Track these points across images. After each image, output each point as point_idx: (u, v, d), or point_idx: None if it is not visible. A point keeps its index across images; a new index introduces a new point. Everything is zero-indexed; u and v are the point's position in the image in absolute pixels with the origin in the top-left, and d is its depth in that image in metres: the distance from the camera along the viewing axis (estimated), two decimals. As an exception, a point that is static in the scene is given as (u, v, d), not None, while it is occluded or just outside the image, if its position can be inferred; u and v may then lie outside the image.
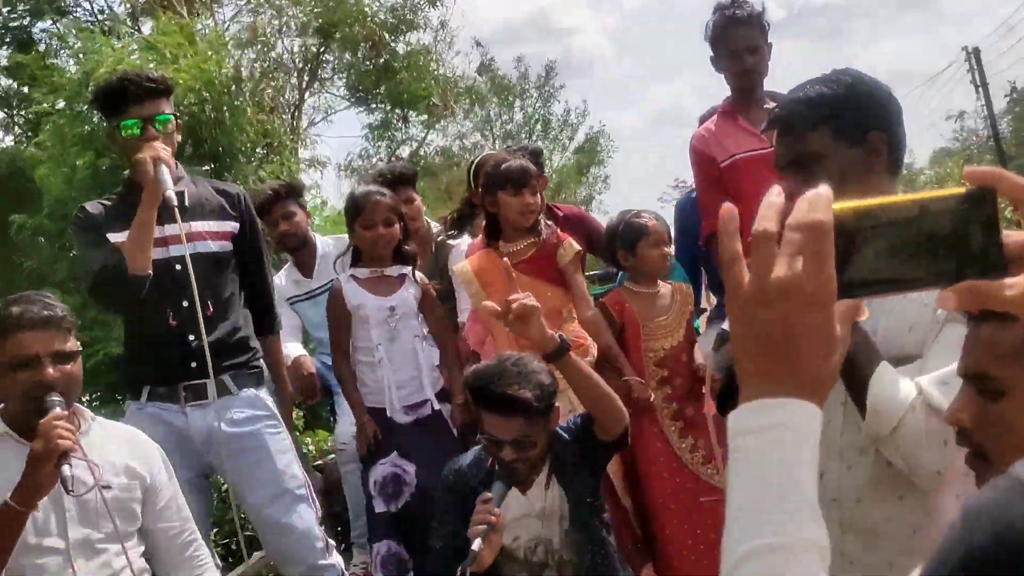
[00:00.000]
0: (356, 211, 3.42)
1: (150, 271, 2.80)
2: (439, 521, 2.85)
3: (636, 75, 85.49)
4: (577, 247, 3.52)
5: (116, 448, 2.39)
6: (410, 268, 3.49)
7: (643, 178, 56.16)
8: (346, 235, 4.45)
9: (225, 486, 3.40)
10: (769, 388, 0.80)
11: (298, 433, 4.87)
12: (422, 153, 22.29)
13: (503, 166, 3.46)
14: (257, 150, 13.74)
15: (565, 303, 3.47)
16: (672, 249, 3.58)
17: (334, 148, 56.51)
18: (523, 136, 26.97)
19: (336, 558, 3.06)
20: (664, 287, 3.63)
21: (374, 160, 21.79)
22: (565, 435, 2.77)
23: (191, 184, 3.04)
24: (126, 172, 3.03)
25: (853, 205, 0.81)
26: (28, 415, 2.17)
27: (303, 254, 4.37)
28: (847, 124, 1.67)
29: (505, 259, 3.08)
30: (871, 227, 0.81)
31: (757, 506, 0.78)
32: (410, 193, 4.04)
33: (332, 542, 3.16)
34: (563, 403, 3.22)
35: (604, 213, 29.11)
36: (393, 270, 3.47)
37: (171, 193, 2.74)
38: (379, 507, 3.32)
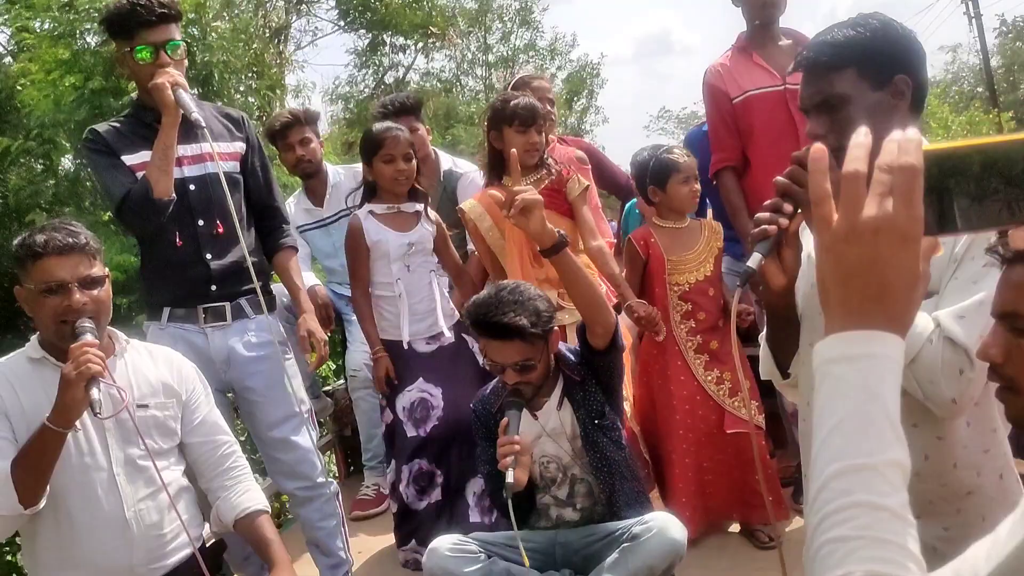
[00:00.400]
0: (375, 146, 3.44)
1: (174, 195, 2.85)
2: (480, 448, 2.98)
3: (621, 3, 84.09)
4: (585, 182, 3.56)
5: (152, 368, 2.45)
6: (423, 205, 3.54)
7: (628, 106, 55.73)
8: (357, 166, 4.49)
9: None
10: (858, 320, 0.86)
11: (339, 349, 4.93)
12: (408, 79, 22.06)
13: (512, 103, 3.46)
14: (244, 75, 13.59)
15: (574, 236, 3.52)
16: (699, 186, 3.56)
17: (322, 75, 55.51)
18: (511, 66, 26.59)
19: (332, 479, 3.17)
20: (693, 222, 3.66)
21: (360, 86, 21.56)
22: (572, 357, 2.89)
23: (198, 106, 3.04)
24: (134, 94, 3.05)
25: (937, 147, 0.86)
26: (61, 340, 2.22)
27: (315, 182, 4.39)
28: (873, 67, 1.70)
29: (495, 194, 3.09)
30: (954, 168, 0.87)
31: (846, 429, 0.84)
32: (413, 123, 4.04)
33: (331, 468, 3.29)
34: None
35: (600, 147, 29.01)
36: (409, 206, 3.52)
37: (198, 116, 2.78)
38: (409, 432, 3.42)
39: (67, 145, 12.07)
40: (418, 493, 3.41)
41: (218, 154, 2.95)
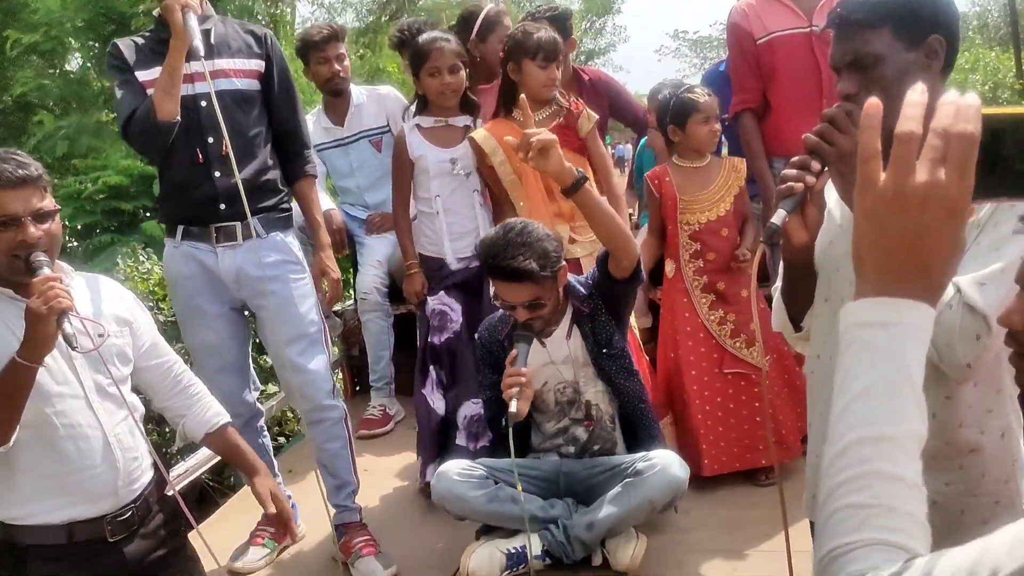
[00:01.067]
0: (422, 59, 3.40)
1: (178, 118, 2.86)
2: (482, 375, 3.07)
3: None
4: (595, 117, 3.54)
5: (101, 298, 2.42)
6: (473, 119, 3.50)
7: (641, 27, 54.56)
8: (380, 88, 4.47)
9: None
10: (894, 287, 0.84)
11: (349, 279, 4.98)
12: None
13: (535, 35, 3.39)
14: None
15: (587, 170, 3.53)
16: (719, 126, 3.55)
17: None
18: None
19: (340, 401, 3.21)
20: (714, 160, 3.65)
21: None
22: (581, 288, 2.94)
23: (219, 23, 3.05)
24: (157, 10, 3.00)
25: (988, 113, 0.82)
26: (14, 274, 2.19)
27: (339, 101, 4.36)
28: (908, 27, 1.67)
29: (508, 137, 3.08)
30: (1002, 137, 0.84)
31: (871, 398, 0.84)
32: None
33: (339, 387, 3.32)
34: None
35: (617, 68, 28.45)
36: (458, 120, 3.49)
37: (198, 43, 2.76)
38: (430, 337, 3.49)
39: (74, 43, 11.94)
40: (444, 399, 3.47)
41: (230, 69, 2.96)
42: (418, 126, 3.49)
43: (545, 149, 2.59)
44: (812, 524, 1.99)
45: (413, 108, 3.58)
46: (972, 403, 1.77)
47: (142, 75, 2.93)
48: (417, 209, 3.56)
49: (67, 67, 13.43)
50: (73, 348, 2.05)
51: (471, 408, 3.43)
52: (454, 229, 3.48)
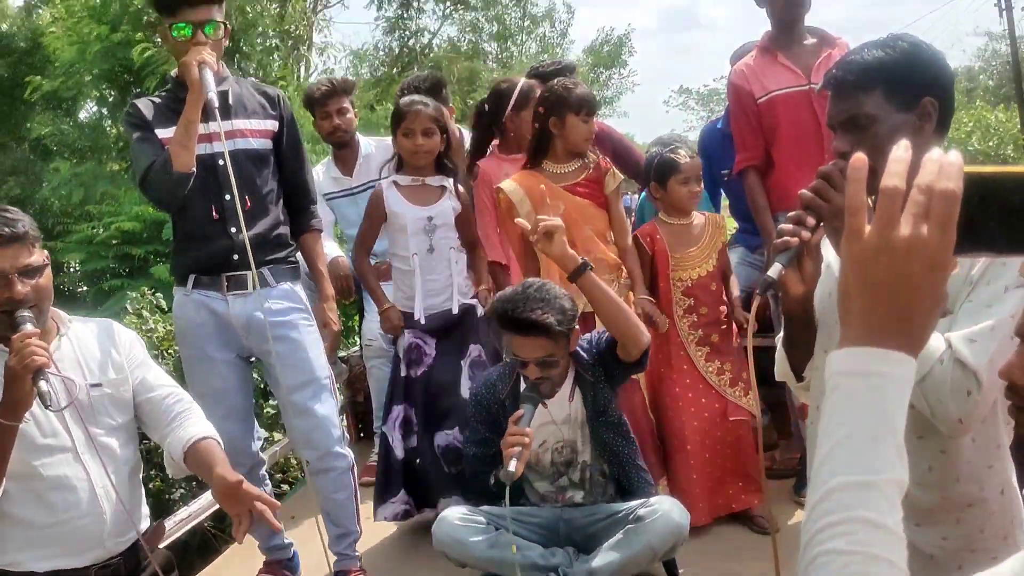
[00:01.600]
0: (398, 119, 3.52)
1: (194, 169, 2.93)
2: (471, 430, 3.08)
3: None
4: (620, 177, 3.67)
5: (98, 343, 2.45)
6: (451, 180, 3.59)
7: (650, 79, 55.30)
8: (387, 139, 4.56)
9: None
10: (876, 337, 0.86)
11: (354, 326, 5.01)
12: (433, 45, 21.99)
13: (577, 90, 3.53)
14: (271, 32, 13.61)
15: (608, 226, 3.64)
16: (700, 187, 3.66)
17: (346, 33, 55.50)
18: (516, 34, 26.30)
19: (348, 450, 3.24)
20: (697, 218, 3.74)
21: (383, 53, 21.53)
22: (585, 355, 2.98)
23: (235, 84, 3.14)
24: (174, 71, 3.11)
25: (970, 171, 0.85)
26: (2, 329, 2.21)
27: (346, 152, 4.46)
28: (901, 89, 1.72)
29: (542, 185, 3.18)
30: (984, 194, 0.86)
31: (853, 444, 0.86)
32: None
33: (347, 436, 3.35)
34: None
35: (622, 115, 28.67)
36: (434, 180, 3.57)
37: (212, 96, 2.85)
38: (402, 371, 3.56)
39: (91, 92, 12.15)
40: (403, 438, 3.53)
41: (247, 129, 3.06)
42: (395, 183, 3.56)
43: (550, 234, 2.68)
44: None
45: (391, 164, 3.66)
46: (971, 458, 1.77)
47: (161, 132, 3.01)
48: (393, 265, 3.64)
49: (82, 116, 13.67)
50: (47, 406, 2.03)
51: (444, 438, 3.48)
52: (429, 287, 3.55)
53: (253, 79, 3.33)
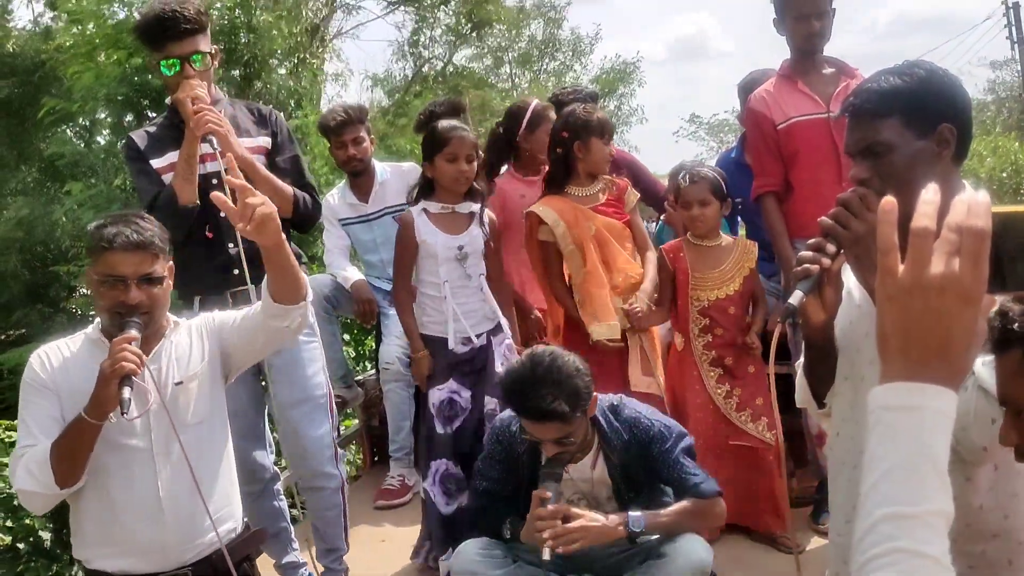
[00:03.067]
0: (439, 144, 3.43)
1: (197, 201, 2.98)
2: (483, 464, 3.02)
3: (656, 2, 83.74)
4: (637, 195, 3.77)
5: (188, 341, 2.51)
6: (479, 206, 3.54)
7: (658, 109, 55.57)
8: (403, 164, 4.59)
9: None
10: (916, 371, 0.90)
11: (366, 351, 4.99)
12: (447, 72, 22.15)
13: (597, 115, 3.64)
14: (285, 61, 13.72)
15: (633, 243, 3.73)
16: (710, 209, 3.66)
17: (359, 56, 55.99)
18: (535, 59, 26.48)
19: (339, 470, 3.25)
20: (726, 241, 3.76)
21: (398, 78, 21.71)
22: (614, 438, 2.85)
23: (228, 106, 3.19)
24: (168, 99, 3.17)
25: (1003, 211, 0.91)
26: (113, 328, 2.31)
27: (362, 179, 4.48)
28: (918, 116, 1.73)
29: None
30: (1012, 230, 0.91)
31: (896, 477, 0.89)
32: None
33: (343, 452, 3.37)
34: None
35: (631, 148, 28.87)
36: (464, 207, 3.51)
37: (211, 139, 2.90)
38: (439, 428, 3.46)
39: (108, 120, 12.25)
40: (445, 495, 3.44)
41: (246, 149, 3.05)
42: (425, 211, 3.49)
43: (585, 537, 2.67)
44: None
45: (415, 191, 3.58)
46: (994, 486, 1.77)
47: (155, 162, 3.10)
48: (420, 292, 3.55)
49: (98, 140, 13.77)
50: (122, 414, 2.11)
51: (438, 395, 3.44)
52: (463, 311, 3.47)
53: (244, 101, 3.38)
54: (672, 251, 3.75)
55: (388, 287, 4.53)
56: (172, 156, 3.05)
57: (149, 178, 3.09)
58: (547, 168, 3.82)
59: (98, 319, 2.45)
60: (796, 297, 1.67)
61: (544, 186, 3.76)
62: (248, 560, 2.53)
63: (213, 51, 3.12)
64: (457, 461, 3.43)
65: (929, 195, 0.90)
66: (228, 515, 2.47)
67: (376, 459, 4.97)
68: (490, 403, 3.46)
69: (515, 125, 4.20)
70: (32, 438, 2.27)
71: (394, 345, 4.32)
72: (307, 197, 3.25)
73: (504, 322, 3.57)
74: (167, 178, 3.07)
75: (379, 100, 21.68)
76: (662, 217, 4.77)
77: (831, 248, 1.68)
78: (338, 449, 3.31)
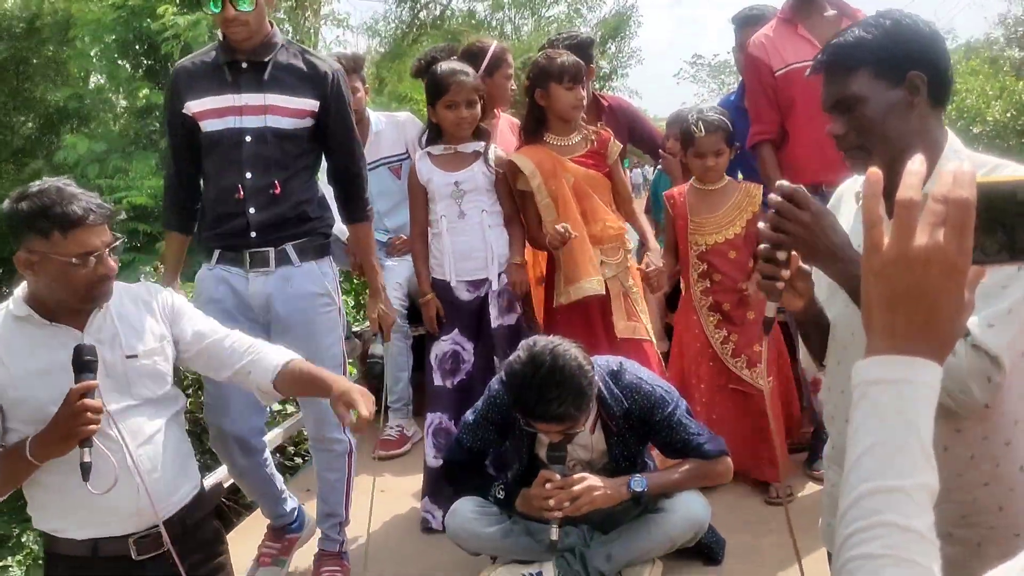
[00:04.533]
0: (440, 90, 3.42)
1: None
2: (475, 421, 3.00)
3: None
4: (619, 146, 3.66)
5: (135, 311, 2.45)
6: (483, 144, 3.52)
7: (660, 52, 54.92)
8: (398, 114, 4.54)
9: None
10: (901, 345, 0.89)
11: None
12: (446, 16, 21.86)
13: (559, 60, 3.48)
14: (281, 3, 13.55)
15: (608, 196, 3.62)
16: (724, 158, 3.61)
17: (355, 4, 55.09)
18: (537, 3, 26.01)
19: (347, 436, 3.22)
20: (730, 184, 3.71)
21: (394, 24, 21.42)
22: (613, 405, 2.85)
23: (281, 53, 3.01)
24: (219, 30, 3.02)
25: (988, 181, 0.88)
26: (86, 303, 2.28)
27: (357, 130, 4.42)
28: (886, 66, 1.71)
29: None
30: (1001, 202, 0.88)
31: (881, 451, 0.88)
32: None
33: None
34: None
35: (632, 92, 28.54)
36: (467, 146, 3.51)
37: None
38: (437, 381, 3.49)
39: (102, 64, 12.11)
40: (435, 448, 3.48)
41: (280, 107, 2.94)
42: (428, 154, 3.52)
43: (591, 502, 2.70)
44: (829, 554, 2.01)
45: (425, 136, 3.61)
46: (987, 434, 1.77)
47: (191, 104, 2.98)
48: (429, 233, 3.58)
49: (91, 85, 13.69)
50: (85, 480, 2.10)
51: (442, 347, 3.46)
52: (459, 249, 3.48)
53: (305, 48, 3.12)
54: (672, 196, 3.75)
55: (384, 239, 4.52)
56: (211, 101, 2.95)
57: (173, 140, 3.08)
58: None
59: (18, 292, 2.34)
60: (771, 308, 1.71)
61: (520, 134, 3.67)
62: (210, 515, 2.58)
63: None
64: (453, 416, 3.43)
65: (915, 166, 0.89)
66: (193, 474, 2.50)
67: (378, 409, 4.98)
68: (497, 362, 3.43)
69: (474, 68, 4.11)
70: None
71: (391, 295, 4.30)
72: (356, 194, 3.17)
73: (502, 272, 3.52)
74: (206, 125, 2.96)
75: (375, 46, 21.42)
76: (659, 164, 4.72)
77: (782, 255, 1.68)
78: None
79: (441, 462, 3.33)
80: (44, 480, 2.28)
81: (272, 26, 3.01)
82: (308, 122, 3.01)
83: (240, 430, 3.05)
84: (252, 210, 2.96)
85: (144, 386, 2.38)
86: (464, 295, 3.50)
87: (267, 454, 3.34)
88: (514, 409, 2.76)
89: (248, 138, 2.93)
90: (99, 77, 13.19)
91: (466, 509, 2.91)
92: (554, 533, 2.63)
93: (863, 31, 1.73)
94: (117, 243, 2.30)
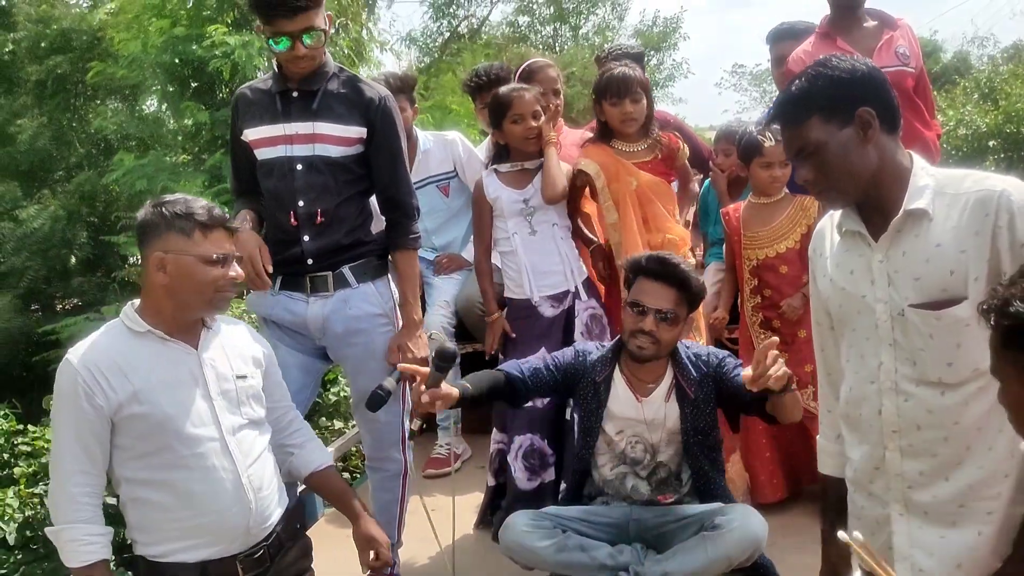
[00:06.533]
0: (504, 108, 3.52)
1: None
2: (549, 359, 3.03)
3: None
4: (687, 150, 3.73)
5: (241, 338, 2.56)
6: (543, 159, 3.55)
7: (701, 59, 54.62)
8: (446, 133, 4.58)
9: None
10: None
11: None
12: (484, 30, 21.99)
13: (605, 76, 3.58)
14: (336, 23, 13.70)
15: (671, 204, 3.69)
16: (789, 169, 3.57)
17: (395, 18, 55.90)
18: (570, 15, 26.01)
19: (405, 456, 3.27)
20: (786, 198, 3.69)
21: (434, 37, 21.61)
22: (692, 369, 2.93)
23: (331, 82, 3.03)
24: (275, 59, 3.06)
25: None
26: (211, 309, 2.39)
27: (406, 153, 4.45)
28: (834, 109, 1.87)
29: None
30: None
31: None
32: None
33: (411, 441, 3.32)
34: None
35: (677, 100, 28.40)
36: (533, 163, 3.58)
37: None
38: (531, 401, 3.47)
39: (154, 88, 12.34)
40: (527, 471, 3.46)
41: (328, 135, 2.97)
42: (496, 171, 3.59)
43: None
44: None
45: (490, 161, 3.69)
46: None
47: (249, 132, 3.04)
48: (500, 252, 3.64)
49: (144, 109, 13.93)
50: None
51: (523, 441, 3.45)
52: (537, 267, 3.52)
53: (356, 75, 3.13)
54: (729, 212, 3.76)
55: (431, 256, 4.55)
56: (265, 130, 3.01)
57: (235, 164, 3.14)
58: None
59: (129, 308, 2.40)
60: None
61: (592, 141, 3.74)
62: (302, 526, 2.68)
63: (327, 22, 2.94)
64: (544, 436, 3.45)
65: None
66: (284, 492, 2.58)
67: (424, 427, 5.01)
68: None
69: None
70: (84, 463, 2.28)
71: (438, 315, 4.34)
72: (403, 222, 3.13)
73: (583, 288, 3.55)
74: (260, 153, 3.02)
75: (414, 61, 21.59)
76: (707, 181, 4.69)
77: None
78: (406, 436, 3.29)
79: (536, 484, 3.44)
80: (158, 501, 2.31)
81: (325, 54, 3.04)
82: (357, 149, 3.04)
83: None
84: (307, 237, 3.01)
85: (251, 406, 2.46)
86: (548, 311, 3.54)
87: None
88: (632, 272, 2.91)
89: (299, 166, 2.98)
90: (151, 101, 13.45)
91: (519, 523, 2.93)
92: (388, 382, 2.79)
93: (804, 82, 1.90)
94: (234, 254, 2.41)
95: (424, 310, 4.60)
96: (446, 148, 4.47)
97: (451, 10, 20.56)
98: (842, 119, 1.86)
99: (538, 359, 3.05)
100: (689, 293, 2.86)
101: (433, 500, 3.72)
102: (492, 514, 3.60)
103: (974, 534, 1.85)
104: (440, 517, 3.67)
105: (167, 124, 12.88)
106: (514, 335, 3.57)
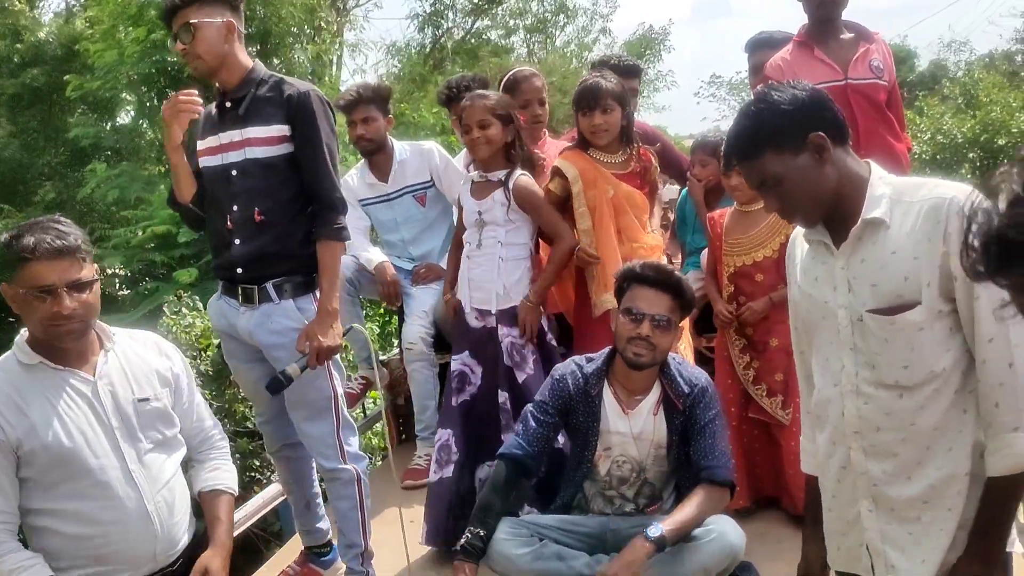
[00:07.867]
0: (458, 117, 3.59)
1: (187, 200, 3.12)
2: (542, 396, 3.07)
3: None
4: (657, 168, 3.78)
5: (143, 356, 2.48)
6: (506, 172, 3.54)
7: (682, 70, 55.01)
8: (423, 143, 4.58)
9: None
10: None
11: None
12: (467, 41, 22.03)
13: (579, 88, 3.62)
14: (300, 32, 13.68)
15: (643, 214, 3.70)
16: None
17: (379, 30, 55.84)
18: (547, 25, 26.07)
19: (350, 465, 3.19)
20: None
21: (415, 48, 21.62)
22: (683, 384, 2.96)
23: (258, 86, 3.01)
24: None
25: None
26: (53, 339, 2.27)
27: (380, 158, 4.45)
28: (784, 140, 1.89)
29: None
30: None
31: None
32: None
33: (351, 449, 3.22)
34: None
35: (660, 108, 28.46)
36: (496, 174, 3.58)
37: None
38: (451, 398, 3.58)
39: (127, 97, 12.28)
40: (436, 463, 3.53)
41: (255, 138, 2.97)
42: (471, 180, 3.65)
43: None
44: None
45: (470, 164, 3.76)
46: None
47: (199, 144, 3.12)
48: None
49: (119, 120, 13.86)
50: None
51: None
52: (473, 279, 3.59)
53: (284, 77, 3.09)
54: (713, 218, 3.79)
55: (409, 267, 4.54)
56: (205, 142, 3.08)
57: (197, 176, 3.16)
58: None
59: (21, 339, 2.35)
60: None
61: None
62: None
63: (229, 24, 2.91)
64: (459, 436, 3.49)
65: None
66: (189, 512, 2.54)
67: (403, 438, 4.99)
68: (501, 396, 3.49)
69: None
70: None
71: (416, 325, 4.32)
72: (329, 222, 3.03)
73: (504, 317, 3.55)
74: (202, 163, 3.09)
75: (395, 72, 21.58)
76: (683, 191, 4.72)
77: None
78: (343, 445, 3.19)
79: (436, 478, 3.46)
80: (60, 532, 2.27)
81: (253, 61, 3.06)
82: (286, 148, 3.00)
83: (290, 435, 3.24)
84: (237, 241, 3.02)
85: (156, 429, 2.41)
86: (473, 322, 3.59)
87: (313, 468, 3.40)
88: (625, 282, 2.98)
89: (234, 172, 3.01)
90: (128, 110, 13.39)
91: (498, 530, 2.92)
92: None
93: (747, 120, 1.95)
94: (91, 281, 2.28)
95: (402, 320, 4.61)
96: (422, 158, 4.46)
97: (435, 19, 20.57)
98: (795, 147, 1.89)
99: (527, 415, 3.07)
100: (683, 300, 2.92)
101: (410, 511, 3.71)
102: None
103: (938, 531, 1.89)
104: (418, 528, 3.67)
105: (145, 136, 12.83)
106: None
